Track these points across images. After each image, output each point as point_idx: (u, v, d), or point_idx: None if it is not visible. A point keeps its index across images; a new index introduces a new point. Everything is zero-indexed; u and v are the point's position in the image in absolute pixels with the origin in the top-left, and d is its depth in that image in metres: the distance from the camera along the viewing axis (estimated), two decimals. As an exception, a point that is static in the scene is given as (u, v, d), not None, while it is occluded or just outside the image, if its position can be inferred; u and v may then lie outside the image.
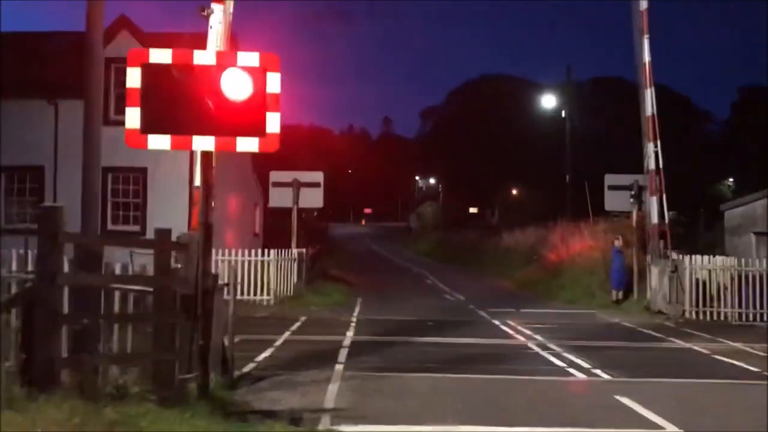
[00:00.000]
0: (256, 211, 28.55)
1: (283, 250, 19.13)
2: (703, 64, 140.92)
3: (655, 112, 18.27)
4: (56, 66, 19.77)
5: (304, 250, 20.39)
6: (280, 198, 20.23)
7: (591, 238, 22.34)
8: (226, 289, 9.30)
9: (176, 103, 6.91)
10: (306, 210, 29.57)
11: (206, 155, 7.36)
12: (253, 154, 29.86)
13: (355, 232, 68.29)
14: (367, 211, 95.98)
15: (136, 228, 20.94)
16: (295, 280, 19.39)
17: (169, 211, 20.68)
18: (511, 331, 14.18)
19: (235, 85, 6.88)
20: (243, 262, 18.18)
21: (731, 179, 56.43)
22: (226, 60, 7.10)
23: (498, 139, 62.24)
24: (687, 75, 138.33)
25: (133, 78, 6.90)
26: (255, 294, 18.28)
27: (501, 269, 30.16)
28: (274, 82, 7.05)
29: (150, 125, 6.94)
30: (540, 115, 48.62)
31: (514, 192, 55.99)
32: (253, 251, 18.54)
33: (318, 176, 20.33)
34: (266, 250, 18.84)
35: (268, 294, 18.32)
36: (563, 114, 33.42)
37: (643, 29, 18.49)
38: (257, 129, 6.99)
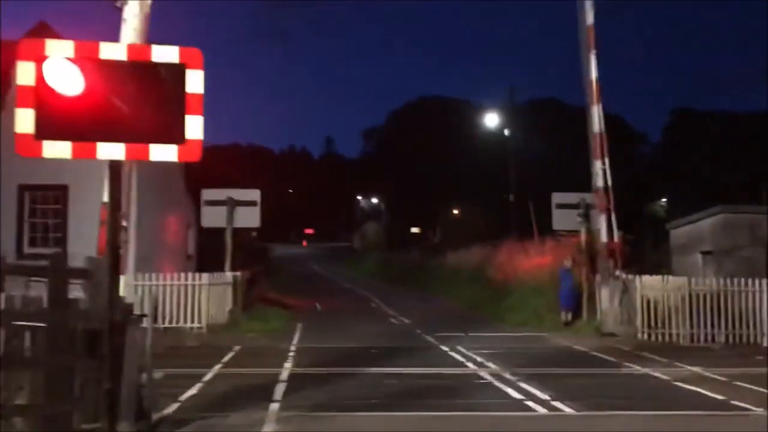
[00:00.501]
0: (189, 232, 27.11)
1: (216, 274, 17.89)
2: (638, 85, 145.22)
3: (603, 130, 17.90)
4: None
5: (239, 273, 19.15)
6: (213, 217, 18.98)
7: (538, 258, 21.82)
8: (144, 320, 8.14)
9: (78, 103, 5.82)
10: (243, 230, 28.40)
11: (114, 166, 6.27)
12: (186, 171, 28.60)
13: (297, 253, 66.85)
14: (309, 231, 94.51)
15: (56, 250, 19.35)
16: (230, 305, 18.13)
17: (94, 232, 19.21)
18: (461, 358, 13.32)
19: (147, 84, 5.85)
20: (172, 287, 16.86)
21: (664, 199, 57.54)
22: (138, 54, 6.06)
23: (439, 158, 62.10)
24: (621, 96, 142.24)
25: (26, 74, 5.77)
26: (186, 321, 16.96)
27: (446, 290, 29.44)
28: (195, 81, 6.03)
29: (46, 130, 5.82)
30: (481, 136, 48.60)
31: (457, 212, 55.71)
32: (183, 275, 17.23)
33: (254, 194, 19.19)
34: (198, 274, 17.56)
35: (200, 321, 17.02)
36: (506, 133, 33.15)
37: (590, 45, 18.15)
38: (175, 135, 5.96)
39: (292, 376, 11.14)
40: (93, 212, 19.61)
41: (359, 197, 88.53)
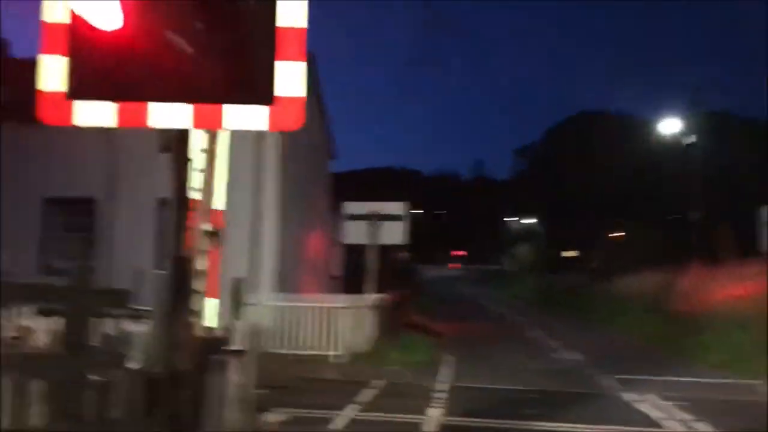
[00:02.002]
0: (335, 251, 25.78)
1: (357, 296, 16.07)
2: None
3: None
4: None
5: (383, 295, 17.24)
6: (355, 234, 17.23)
7: (738, 286, 18.06)
8: (236, 360, 6.23)
9: (124, 46, 4.01)
10: (392, 249, 26.63)
11: (180, 140, 4.38)
12: (334, 187, 27.46)
13: (445, 275, 64.83)
14: (459, 253, 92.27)
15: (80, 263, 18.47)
16: (372, 331, 16.24)
17: (234, 249, 18.15)
18: (656, 414, 10.38)
19: (215, 16, 3.91)
20: (308, 309, 15.22)
21: None
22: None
23: (602, 176, 57.61)
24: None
25: (55, 7, 4.06)
26: (323, 348, 15.23)
27: (615, 319, 25.89)
28: (293, 12, 4.05)
29: (83, 85, 4.05)
30: (651, 150, 44.01)
31: (621, 232, 51.02)
32: (320, 296, 15.54)
33: (400, 207, 17.22)
34: (337, 296, 15.81)
35: (339, 349, 15.22)
36: (686, 142, 29.07)
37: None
38: (260, 91, 3.98)
39: (440, 430, 8.90)
40: (126, 227, 18.59)
41: (510, 218, 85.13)
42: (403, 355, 15.98)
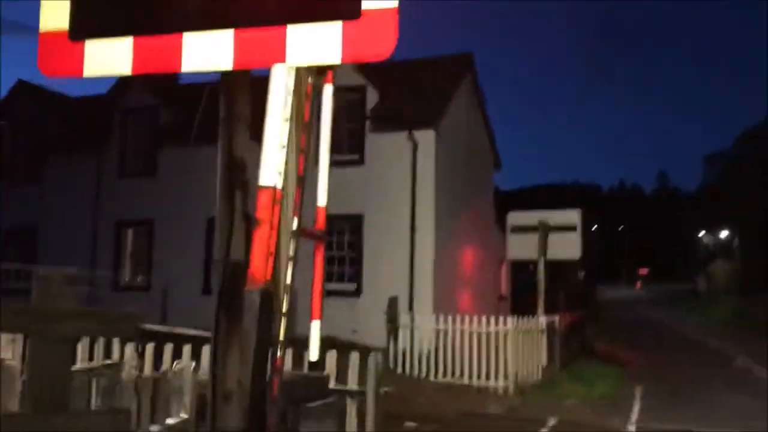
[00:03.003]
0: (501, 269, 23.84)
1: (526, 318, 14.13)
2: None
3: None
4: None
5: (556, 317, 15.13)
6: (521, 247, 15.33)
7: None
8: (352, 403, 4.71)
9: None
10: (566, 267, 24.19)
11: (229, 83, 2.95)
12: (497, 201, 25.53)
13: (629, 296, 59.90)
14: (643, 272, 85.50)
15: (351, 287, 17.53)
16: (544, 359, 14.22)
17: (389, 267, 16.95)
18: None
19: None
20: (470, 334, 13.53)
21: None
22: None
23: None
24: None
25: None
26: (488, 378, 13.45)
27: None
28: None
29: (89, 20, 2.82)
30: None
31: None
32: (483, 318, 13.80)
33: (573, 216, 15.10)
34: (503, 318, 13.97)
35: (506, 379, 13.36)
36: None
37: None
38: (337, 3, 2.54)
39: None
40: (389, 242, 17.60)
41: (701, 233, 77.39)
42: (583, 389, 13.75)
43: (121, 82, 20.00)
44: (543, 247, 14.88)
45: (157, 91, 20.05)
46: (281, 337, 2.84)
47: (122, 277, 20.20)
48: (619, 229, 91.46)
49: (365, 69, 17.24)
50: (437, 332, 13.83)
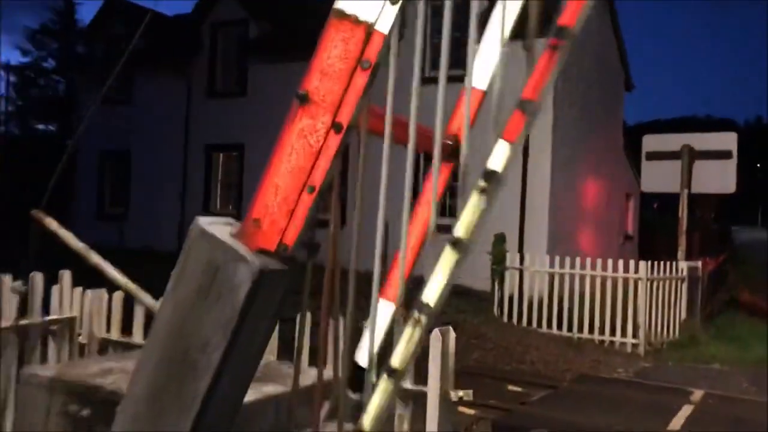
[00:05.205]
0: (629, 205, 21.00)
1: (661, 263, 11.61)
2: None
3: None
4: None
5: (699, 263, 12.49)
6: (658, 177, 12.65)
7: None
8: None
9: None
10: (701, 203, 21.08)
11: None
12: (626, 126, 22.41)
13: (762, 238, 54.23)
14: (782, 212, 77.99)
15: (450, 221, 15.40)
16: (683, 313, 11.72)
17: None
18: None
19: None
20: (591, 279, 11.25)
21: None
22: None
23: None
24: None
25: None
26: (613, 333, 11.19)
27: None
28: None
29: None
30: None
31: None
32: (609, 263, 11.42)
33: (728, 140, 12.22)
34: (633, 263, 11.52)
35: (635, 336, 11.04)
36: None
37: None
38: None
39: None
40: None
41: None
42: (733, 349, 11.21)
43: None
44: (688, 177, 12.15)
45: (246, 2, 18.38)
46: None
47: (213, 205, 19.17)
48: (757, 166, 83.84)
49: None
50: (551, 276, 11.65)
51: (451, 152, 1.65)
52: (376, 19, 1.36)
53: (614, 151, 19.51)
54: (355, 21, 1.36)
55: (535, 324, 11.46)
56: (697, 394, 8.45)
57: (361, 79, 1.37)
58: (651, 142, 12.91)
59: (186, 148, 19.35)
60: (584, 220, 17.10)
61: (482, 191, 1.31)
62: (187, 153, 19.33)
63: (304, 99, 1.39)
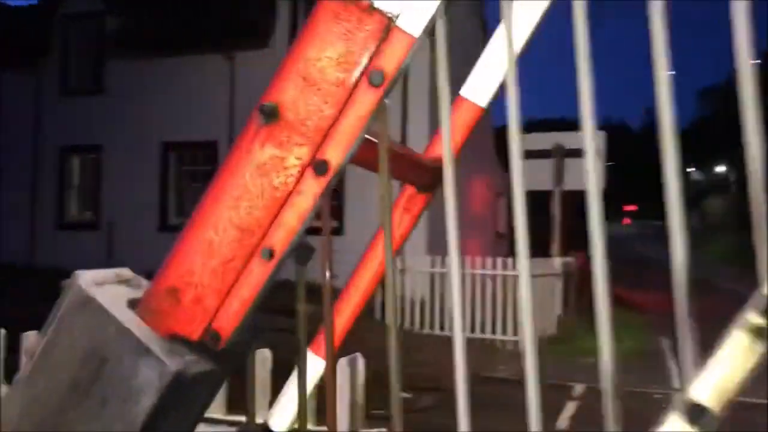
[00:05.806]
0: (498, 203, 21.53)
1: (540, 260, 11.83)
2: None
3: None
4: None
5: (572, 259, 12.88)
6: (533, 176, 12.88)
7: None
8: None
9: None
10: (572, 200, 21.99)
11: None
12: (496, 129, 23.02)
13: (618, 233, 58.24)
14: (631, 208, 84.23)
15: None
16: (560, 309, 12.00)
17: (376, 201, 14.45)
18: None
19: None
20: (471, 278, 11.25)
21: None
22: None
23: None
24: None
25: None
26: (494, 332, 11.24)
27: None
28: None
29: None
30: None
31: None
32: (488, 260, 11.47)
33: (596, 138, 12.62)
34: (511, 260, 11.67)
35: (515, 332, 11.15)
36: None
37: None
38: None
39: None
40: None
41: (693, 169, 75.82)
42: (605, 342, 11.56)
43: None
44: (559, 175, 12.48)
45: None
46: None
47: (67, 213, 17.62)
48: (606, 165, 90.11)
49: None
50: (432, 276, 11.54)
51: (430, 181, 1.23)
52: (400, 12, 0.90)
53: (485, 152, 19.90)
54: (368, 8, 0.89)
55: (417, 326, 11.30)
56: (579, 389, 8.56)
57: (367, 98, 0.91)
58: (527, 142, 13.15)
59: (36, 152, 17.69)
60: (461, 219, 17.27)
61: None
62: (38, 157, 17.68)
63: (271, 115, 0.89)
